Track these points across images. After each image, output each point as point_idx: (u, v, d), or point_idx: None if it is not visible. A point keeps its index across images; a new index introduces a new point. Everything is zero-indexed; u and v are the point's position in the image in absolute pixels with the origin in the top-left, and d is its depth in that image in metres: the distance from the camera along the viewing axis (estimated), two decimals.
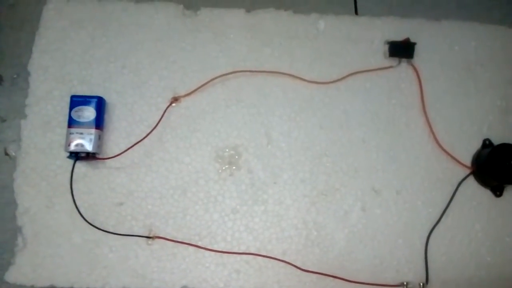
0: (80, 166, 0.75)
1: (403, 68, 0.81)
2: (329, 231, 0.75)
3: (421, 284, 0.73)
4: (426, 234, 0.76)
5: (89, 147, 0.72)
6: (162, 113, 0.77)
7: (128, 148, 0.74)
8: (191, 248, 0.73)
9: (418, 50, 0.81)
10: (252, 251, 0.73)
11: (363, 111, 0.79)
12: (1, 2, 0.86)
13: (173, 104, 0.78)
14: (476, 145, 0.79)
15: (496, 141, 0.78)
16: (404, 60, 0.80)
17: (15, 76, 0.81)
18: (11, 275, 0.72)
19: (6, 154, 0.78)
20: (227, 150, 0.77)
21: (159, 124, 0.76)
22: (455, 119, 0.79)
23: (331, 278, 0.73)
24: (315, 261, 0.74)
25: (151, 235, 0.73)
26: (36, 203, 0.74)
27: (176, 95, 0.78)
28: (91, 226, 0.73)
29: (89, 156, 0.73)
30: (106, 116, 0.77)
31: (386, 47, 0.81)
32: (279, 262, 0.73)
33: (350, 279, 0.73)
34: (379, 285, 0.73)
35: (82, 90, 0.78)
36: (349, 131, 0.79)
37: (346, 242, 0.75)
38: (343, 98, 0.80)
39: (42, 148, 0.76)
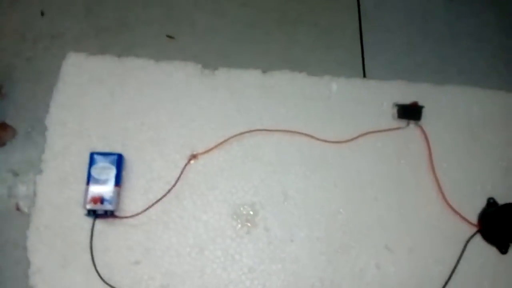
0: (97, 223, 0.74)
1: (411, 129, 0.85)
2: None
3: None
4: None
5: (108, 205, 0.72)
6: (180, 170, 0.78)
7: (149, 207, 0.74)
8: None
9: (425, 112, 0.85)
10: None
11: (374, 170, 0.82)
12: (18, 55, 0.87)
13: (191, 162, 0.79)
14: (481, 203, 0.83)
15: (500, 199, 0.82)
16: (412, 121, 0.85)
17: (29, 129, 0.81)
18: None
19: (18, 209, 0.77)
20: (244, 207, 0.78)
21: (177, 182, 0.77)
22: (461, 179, 0.83)
23: None
24: None
25: None
26: (50, 262, 0.73)
27: (194, 153, 0.79)
28: (107, 287, 0.71)
29: (107, 214, 0.73)
30: (124, 173, 0.77)
31: (395, 109, 0.85)
32: None
33: None
34: None
35: (101, 146, 0.78)
36: (362, 190, 0.81)
37: None
38: (355, 157, 0.83)
39: (57, 204, 0.75)
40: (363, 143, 0.84)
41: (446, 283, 0.78)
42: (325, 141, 0.82)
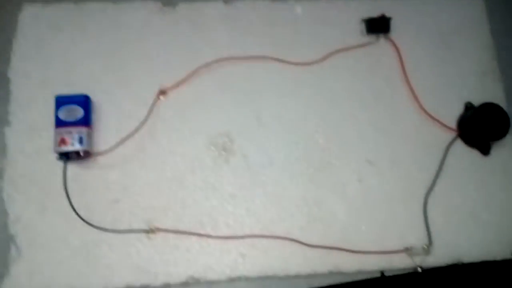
0: (72, 167, 0.73)
1: (381, 43, 0.83)
2: (329, 206, 0.75)
3: (425, 246, 0.74)
4: (423, 199, 0.77)
5: (79, 146, 0.71)
6: (150, 107, 0.76)
7: (119, 143, 0.73)
8: (193, 238, 0.72)
9: (393, 25, 0.84)
10: (255, 234, 0.73)
11: (349, 88, 0.81)
12: None
13: (161, 97, 0.78)
14: (459, 109, 0.82)
15: (477, 103, 0.80)
16: (381, 35, 0.83)
17: None
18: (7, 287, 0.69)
19: None
20: (220, 136, 0.77)
21: (149, 119, 0.76)
22: (436, 87, 0.82)
23: (337, 250, 0.73)
24: (320, 237, 0.73)
25: (151, 229, 0.71)
26: (28, 210, 0.72)
27: (163, 88, 0.78)
28: (88, 227, 0.70)
29: (79, 156, 0.72)
30: (93, 116, 0.76)
31: (363, 25, 0.84)
32: (283, 240, 0.73)
33: (355, 250, 0.73)
34: (384, 253, 0.73)
35: (67, 92, 0.76)
36: (337, 108, 0.80)
37: (347, 214, 0.75)
38: (328, 77, 0.82)
39: (29, 153, 0.74)
40: (335, 63, 0.82)
41: (431, 189, 0.77)
42: (295, 63, 0.81)
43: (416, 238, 0.75)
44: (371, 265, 0.73)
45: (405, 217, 0.76)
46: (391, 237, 0.75)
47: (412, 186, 0.77)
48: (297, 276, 0.72)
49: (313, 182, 0.76)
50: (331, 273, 0.72)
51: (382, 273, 0.73)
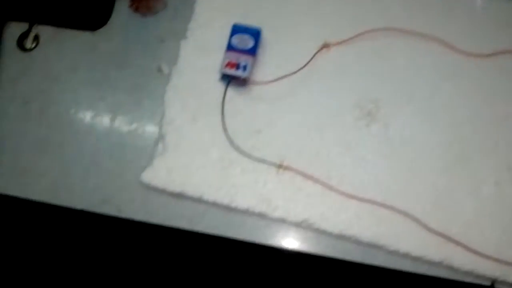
0: (229, 89, 0.80)
1: None
2: (458, 198, 0.74)
3: None
4: None
5: (242, 72, 0.77)
6: (311, 56, 0.80)
7: (278, 79, 0.78)
8: (318, 186, 0.75)
9: None
10: (377, 201, 0.74)
11: (510, 91, 0.78)
12: None
13: (323, 50, 0.81)
14: None
15: None
16: None
17: (178, 4, 0.88)
18: (147, 176, 0.77)
19: (160, 71, 0.85)
20: (367, 101, 0.79)
21: (306, 66, 0.80)
22: None
23: (454, 244, 0.72)
24: (440, 224, 0.72)
25: (282, 165, 0.76)
26: (181, 116, 0.79)
27: (327, 42, 0.81)
28: (228, 146, 0.77)
29: (239, 81, 0.78)
30: (259, 50, 0.81)
31: None
32: (403, 216, 0.73)
33: (473, 249, 0.71)
34: (502, 262, 0.71)
35: (240, 23, 0.82)
36: (492, 107, 0.78)
37: (474, 212, 0.73)
38: (492, 73, 0.79)
39: (196, 67, 0.82)
40: (504, 62, 0.79)
41: None
42: (462, 51, 0.80)
43: None
44: (484, 270, 0.71)
45: None
46: None
47: None
48: (405, 255, 0.72)
49: (449, 171, 0.75)
50: (441, 264, 0.72)
51: (492, 283, 0.71)
